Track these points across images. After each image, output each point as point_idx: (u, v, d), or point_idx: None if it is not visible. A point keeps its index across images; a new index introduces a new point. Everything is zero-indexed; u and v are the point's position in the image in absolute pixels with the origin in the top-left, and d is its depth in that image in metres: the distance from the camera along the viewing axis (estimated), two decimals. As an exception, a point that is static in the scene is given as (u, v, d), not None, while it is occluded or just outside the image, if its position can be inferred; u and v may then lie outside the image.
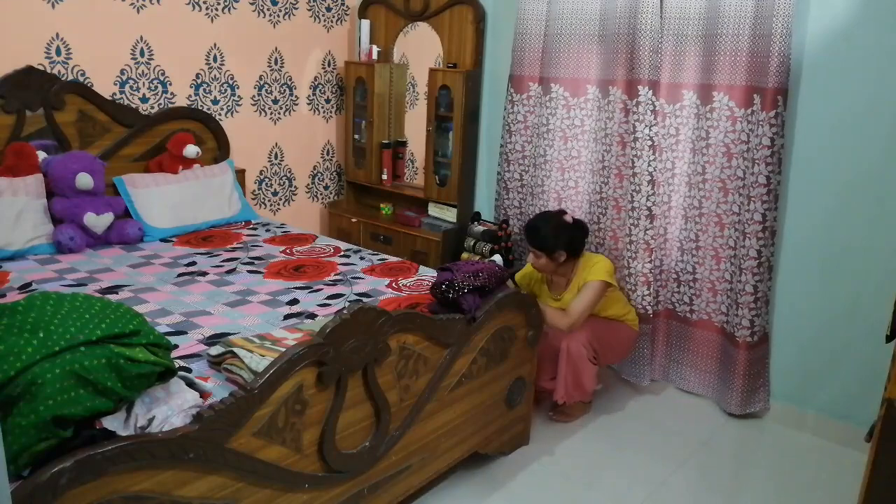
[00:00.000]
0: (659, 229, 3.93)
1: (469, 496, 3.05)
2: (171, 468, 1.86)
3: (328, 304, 3.06)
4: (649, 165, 3.84)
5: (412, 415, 2.63)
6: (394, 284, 3.34)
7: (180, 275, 3.36)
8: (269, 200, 5.13)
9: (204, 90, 4.57)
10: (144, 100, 4.28)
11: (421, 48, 5.01)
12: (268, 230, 4.21)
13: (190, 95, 4.51)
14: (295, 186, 5.27)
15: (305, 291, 3.20)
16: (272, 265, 3.55)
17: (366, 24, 5.08)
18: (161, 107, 4.37)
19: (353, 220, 5.18)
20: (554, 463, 3.33)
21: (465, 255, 4.65)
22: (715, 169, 3.74)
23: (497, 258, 3.51)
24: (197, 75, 4.52)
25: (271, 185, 5.12)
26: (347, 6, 5.25)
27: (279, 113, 5.03)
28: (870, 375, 3.37)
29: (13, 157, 3.64)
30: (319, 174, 5.42)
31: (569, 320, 3.47)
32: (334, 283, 3.34)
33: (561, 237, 3.58)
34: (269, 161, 5.06)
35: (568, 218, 3.66)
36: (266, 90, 4.92)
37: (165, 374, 1.96)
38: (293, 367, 2.11)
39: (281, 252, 3.77)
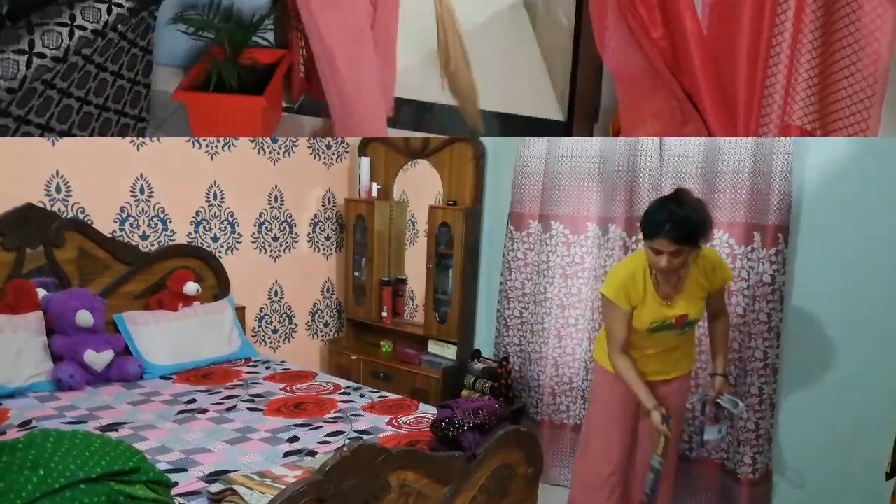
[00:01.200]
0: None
1: None
2: None
3: (328, 442, 3.03)
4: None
5: (413, 557, 2.57)
6: (394, 422, 3.31)
7: (180, 412, 3.34)
8: (269, 337, 5.14)
9: (204, 227, 4.64)
10: (144, 237, 4.33)
11: (421, 185, 5.09)
12: (268, 367, 4.20)
13: (190, 232, 4.56)
14: (295, 324, 5.30)
15: (306, 429, 3.17)
16: (272, 402, 3.53)
17: (366, 161, 5.18)
18: (161, 244, 4.41)
19: (353, 357, 5.18)
20: None
21: (465, 393, 4.62)
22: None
23: None
24: (197, 213, 4.58)
25: (271, 322, 5.14)
26: (347, 143, 5.39)
27: (279, 250, 5.11)
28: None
29: (13, 294, 3.67)
30: (319, 311, 5.45)
31: (727, 318, 3.22)
32: (334, 420, 3.32)
33: (711, 221, 2.91)
34: (269, 298, 5.11)
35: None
36: (266, 227, 5.00)
37: (164, 512, 1.94)
38: (293, 506, 2.09)
39: (281, 389, 3.76)
